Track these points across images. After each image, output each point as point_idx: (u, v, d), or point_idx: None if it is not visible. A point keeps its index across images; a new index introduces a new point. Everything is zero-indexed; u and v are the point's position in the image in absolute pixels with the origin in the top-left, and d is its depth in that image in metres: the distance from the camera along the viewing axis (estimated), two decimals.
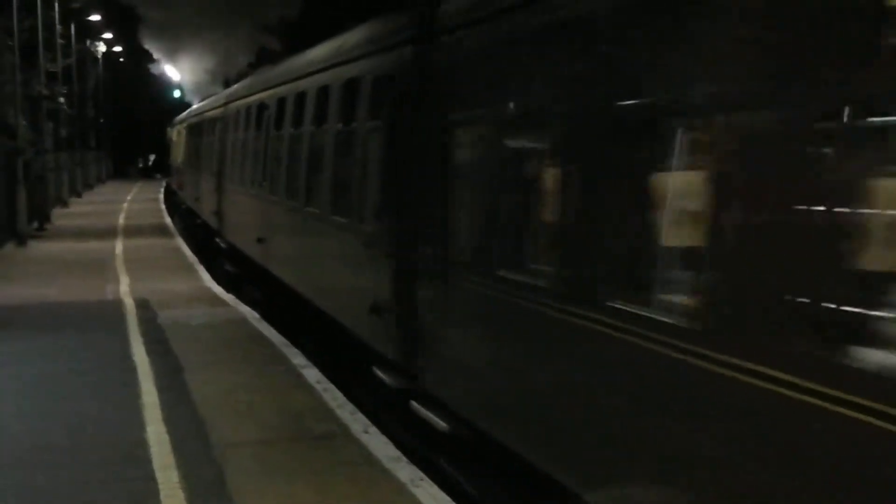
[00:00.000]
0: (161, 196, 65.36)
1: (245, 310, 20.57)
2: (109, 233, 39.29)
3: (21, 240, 34.60)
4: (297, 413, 12.62)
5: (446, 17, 10.66)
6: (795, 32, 5.63)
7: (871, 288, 5.34)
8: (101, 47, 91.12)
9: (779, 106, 5.73)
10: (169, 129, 71.33)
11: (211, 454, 10.99)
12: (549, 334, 8.19)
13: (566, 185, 8.07)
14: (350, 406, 12.82)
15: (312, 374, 14.64)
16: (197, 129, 41.03)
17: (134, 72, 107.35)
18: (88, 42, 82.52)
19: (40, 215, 41.84)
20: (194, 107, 43.64)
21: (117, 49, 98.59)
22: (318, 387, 13.88)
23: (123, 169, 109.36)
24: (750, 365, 5.79)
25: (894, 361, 5.09)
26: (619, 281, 7.33)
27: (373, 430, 11.82)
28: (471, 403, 10.06)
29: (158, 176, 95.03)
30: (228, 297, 22.38)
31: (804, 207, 5.55)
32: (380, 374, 12.40)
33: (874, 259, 5.38)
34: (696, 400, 6.38)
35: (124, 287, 24.10)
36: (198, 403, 13.06)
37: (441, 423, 10.55)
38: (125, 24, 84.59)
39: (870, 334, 5.29)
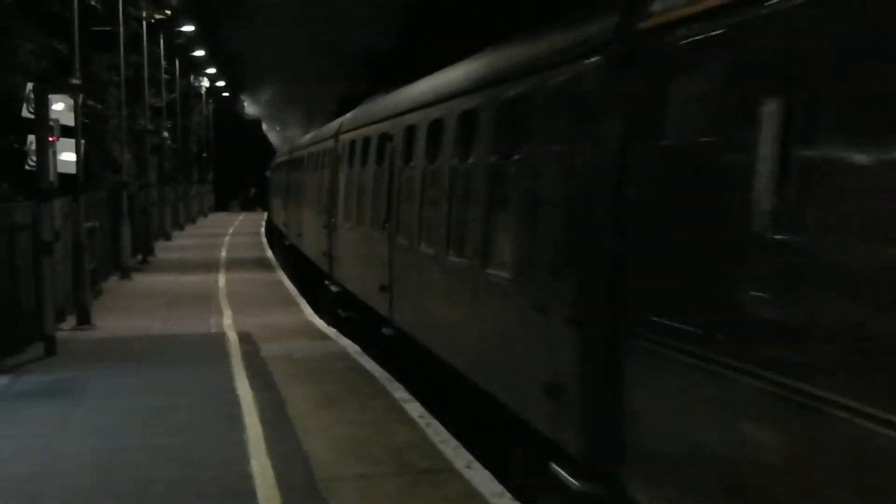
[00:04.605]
0: (262, 230, 65.82)
1: (346, 343, 20.58)
2: (212, 266, 39.66)
3: (125, 273, 35.01)
4: (400, 447, 12.56)
5: None
6: None
7: None
8: (205, 82, 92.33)
9: None
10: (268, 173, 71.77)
11: (315, 488, 10.97)
12: None
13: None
14: (453, 441, 12.73)
15: (415, 409, 14.58)
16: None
17: (235, 106, 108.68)
18: (192, 77, 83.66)
19: (144, 248, 42.40)
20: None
21: (220, 84, 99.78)
22: (421, 421, 13.82)
23: (225, 202, 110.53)
24: None
25: None
26: None
27: (476, 465, 11.72)
28: None
29: (259, 209, 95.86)
30: (330, 331, 22.43)
31: None
32: None
33: None
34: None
35: (227, 320, 24.28)
36: (301, 437, 13.07)
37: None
38: (227, 61, 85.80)
39: None
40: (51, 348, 19.77)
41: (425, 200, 15.81)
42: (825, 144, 5.91)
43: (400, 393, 15.65)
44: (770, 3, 6.47)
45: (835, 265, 5.74)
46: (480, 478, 11.26)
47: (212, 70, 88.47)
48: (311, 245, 32.53)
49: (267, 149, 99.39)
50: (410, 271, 16.84)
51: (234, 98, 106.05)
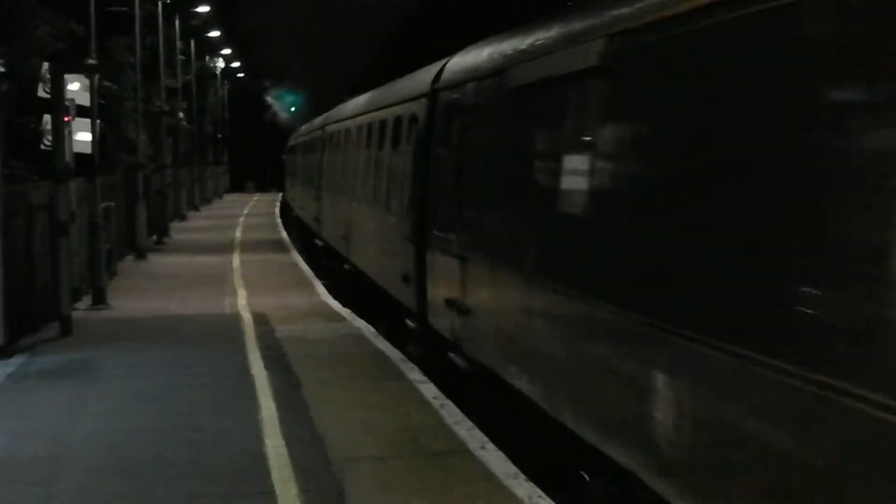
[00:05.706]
0: (277, 210, 65.78)
1: (361, 324, 20.60)
2: (227, 247, 39.69)
3: (141, 253, 35.08)
4: (414, 429, 12.58)
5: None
6: None
7: None
8: (220, 63, 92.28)
9: None
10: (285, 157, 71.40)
11: (329, 469, 10.99)
12: None
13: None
14: (467, 422, 12.74)
15: (429, 390, 14.59)
16: None
17: (251, 87, 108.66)
18: (207, 58, 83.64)
19: (159, 229, 42.44)
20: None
21: (236, 65, 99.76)
22: (435, 402, 13.83)
23: (240, 183, 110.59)
24: None
25: None
26: None
27: (490, 446, 11.72)
28: None
29: (274, 190, 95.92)
30: (345, 312, 22.44)
31: None
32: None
33: None
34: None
35: (242, 301, 24.33)
36: (315, 418, 13.09)
37: None
38: (243, 42, 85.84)
39: None
40: (66, 328, 19.83)
41: (366, 176, 23.85)
42: (481, 153, 13.59)
43: (414, 374, 15.66)
44: (462, 91, 14.79)
45: (503, 207, 12.57)
46: (495, 459, 11.26)
47: (227, 51, 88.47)
48: (308, 213, 41.41)
49: (281, 130, 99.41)
50: (357, 223, 25.56)
51: (250, 79, 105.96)
